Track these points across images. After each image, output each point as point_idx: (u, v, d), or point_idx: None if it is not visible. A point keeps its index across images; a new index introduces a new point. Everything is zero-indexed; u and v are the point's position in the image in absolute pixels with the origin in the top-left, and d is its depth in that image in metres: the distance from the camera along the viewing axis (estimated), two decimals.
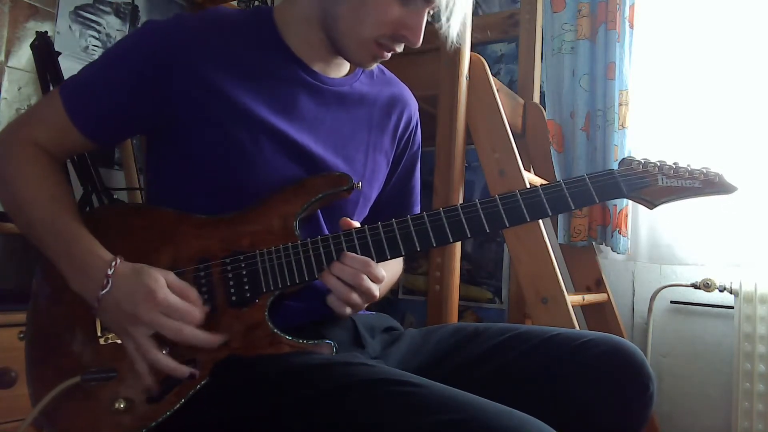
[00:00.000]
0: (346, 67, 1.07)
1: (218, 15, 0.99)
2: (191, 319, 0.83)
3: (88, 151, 1.01)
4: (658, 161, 0.93)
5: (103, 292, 0.84)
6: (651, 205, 0.92)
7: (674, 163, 0.93)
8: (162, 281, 0.83)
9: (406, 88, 1.18)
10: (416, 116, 1.18)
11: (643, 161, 0.92)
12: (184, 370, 0.84)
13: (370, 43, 0.94)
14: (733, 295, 1.94)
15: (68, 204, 0.94)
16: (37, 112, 1.00)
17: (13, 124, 1.00)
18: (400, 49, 0.97)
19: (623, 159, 0.94)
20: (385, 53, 0.97)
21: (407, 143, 1.16)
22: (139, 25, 2.39)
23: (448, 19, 0.96)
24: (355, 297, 0.87)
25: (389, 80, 1.15)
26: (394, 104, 1.12)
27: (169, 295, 0.83)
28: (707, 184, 0.92)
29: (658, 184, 0.91)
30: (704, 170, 0.93)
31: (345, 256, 0.88)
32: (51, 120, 0.96)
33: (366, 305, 0.91)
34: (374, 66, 1.02)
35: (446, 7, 0.95)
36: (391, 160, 1.13)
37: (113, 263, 0.85)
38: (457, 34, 1.00)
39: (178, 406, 0.83)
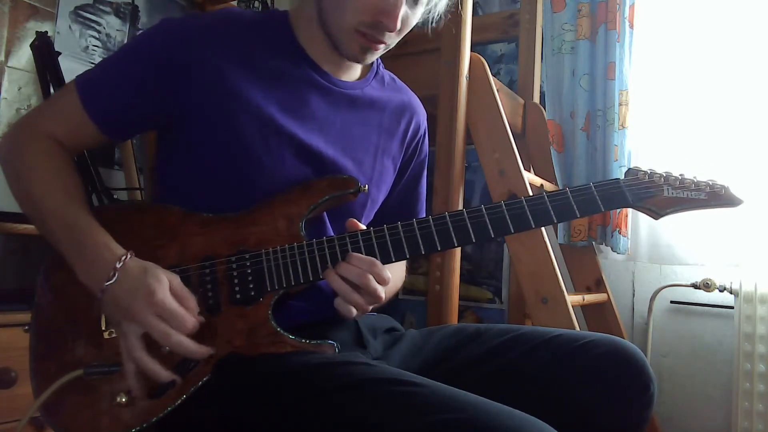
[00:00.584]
0: (357, 71, 1.07)
1: (232, 14, 1.00)
2: (182, 327, 0.82)
3: (102, 145, 1.02)
4: (664, 172, 0.93)
5: (108, 283, 0.84)
6: (656, 215, 0.93)
7: (680, 174, 0.93)
8: (165, 283, 0.83)
9: (416, 97, 1.18)
10: (425, 125, 1.19)
11: (649, 171, 0.93)
12: (165, 375, 0.83)
13: (351, 32, 0.94)
14: (733, 295, 1.94)
15: (81, 197, 0.95)
16: (52, 106, 1.01)
17: (28, 117, 1.00)
18: (386, 39, 0.96)
19: (629, 169, 0.95)
20: (372, 44, 0.95)
21: (415, 151, 1.17)
22: (144, 26, 2.40)
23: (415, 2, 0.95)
24: (360, 298, 0.87)
25: (400, 88, 1.16)
26: (403, 111, 1.13)
27: (167, 297, 0.82)
28: (713, 197, 0.92)
29: (663, 195, 0.92)
30: (710, 182, 0.93)
31: (351, 256, 0.88)
32: (67, 113, 0.96)
33: (372, 307, 0.90)
34: (368, 60, 1.01)
35: None
36: (398, 165, 1.13)
37: (123, 258, 0.85)
38: (434, 17, 1.00)
39: (179, 402, 0.84)
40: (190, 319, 0.83)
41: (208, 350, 0.84)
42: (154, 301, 0.81)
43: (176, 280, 0.85)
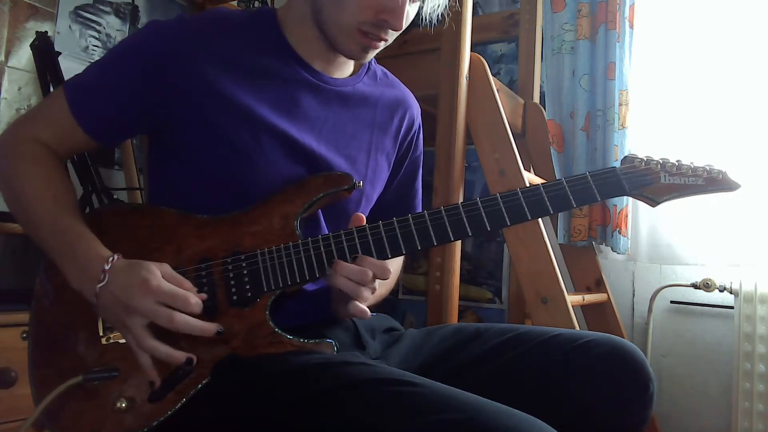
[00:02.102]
0: (349, 67, 1.07)
1: (221, 15, 0.99)
2: (185, 305, 0.82)
3: (91, 150, 1.02)
4: (661, 158, 0.92)
5: (100, 285, 0.84)
6: (653, 202, 0.92)
7: (677, 161, 0.92)
8: (156, 272, 0.83)
9: (410, 92, 1.18)
10: (419, 120, 1.18)
11: (645, 158, 0.92)
12: (179, 355, 0.83)
13: (353, 31, 0.93)
14: (733, 295, 1.94)
15: (71, 203, 0.94)
16: (41, 111, 1.00)
17: (18, 123, 1.00)
18: (387, 36, 0.95)
19: (625, 156, 0.93)
20: (374, 42, 0.95)
21: (409, 147, 1.16)
22: (143, 25, 2.40)
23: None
24: (367, 291, 0.87)
25: (392, 83, 1.15)
26: (396, 107, 1.12)
27: (163, 282, 0.82)
28: (710, 182, 0.91)
29: (660, 182, 0.91)
30: (707, 167, 0.92)
31: (363, 260, 0.87)
32: (55, 119, 0.96)
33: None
34: (368, 58, 1.00)
35: None
36: (392, 162, 1.13)
37: (111, 259, 0.85)
38: (435, 16, 1.00)
39: (179, 405, 0.83)
40: (192, 296, 0.83)
41: (215, 326, 0.84)
42: (150, 289, 0.81)
43: (165, 266, 0.85)
